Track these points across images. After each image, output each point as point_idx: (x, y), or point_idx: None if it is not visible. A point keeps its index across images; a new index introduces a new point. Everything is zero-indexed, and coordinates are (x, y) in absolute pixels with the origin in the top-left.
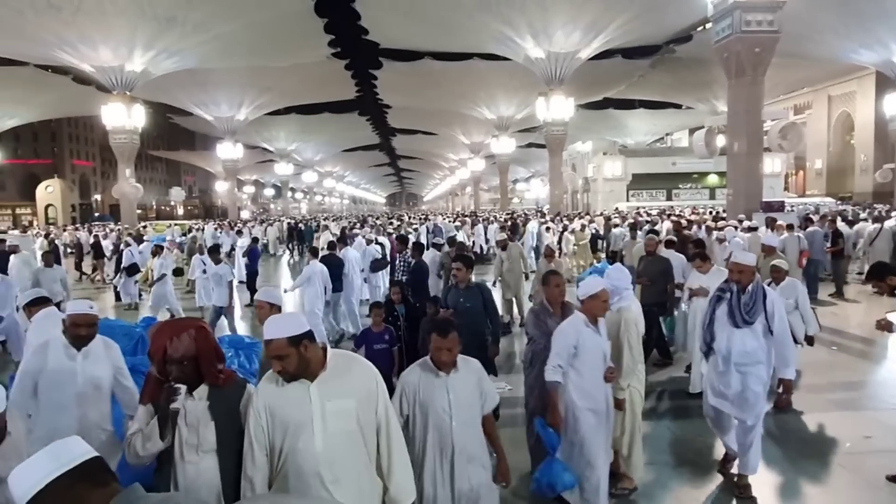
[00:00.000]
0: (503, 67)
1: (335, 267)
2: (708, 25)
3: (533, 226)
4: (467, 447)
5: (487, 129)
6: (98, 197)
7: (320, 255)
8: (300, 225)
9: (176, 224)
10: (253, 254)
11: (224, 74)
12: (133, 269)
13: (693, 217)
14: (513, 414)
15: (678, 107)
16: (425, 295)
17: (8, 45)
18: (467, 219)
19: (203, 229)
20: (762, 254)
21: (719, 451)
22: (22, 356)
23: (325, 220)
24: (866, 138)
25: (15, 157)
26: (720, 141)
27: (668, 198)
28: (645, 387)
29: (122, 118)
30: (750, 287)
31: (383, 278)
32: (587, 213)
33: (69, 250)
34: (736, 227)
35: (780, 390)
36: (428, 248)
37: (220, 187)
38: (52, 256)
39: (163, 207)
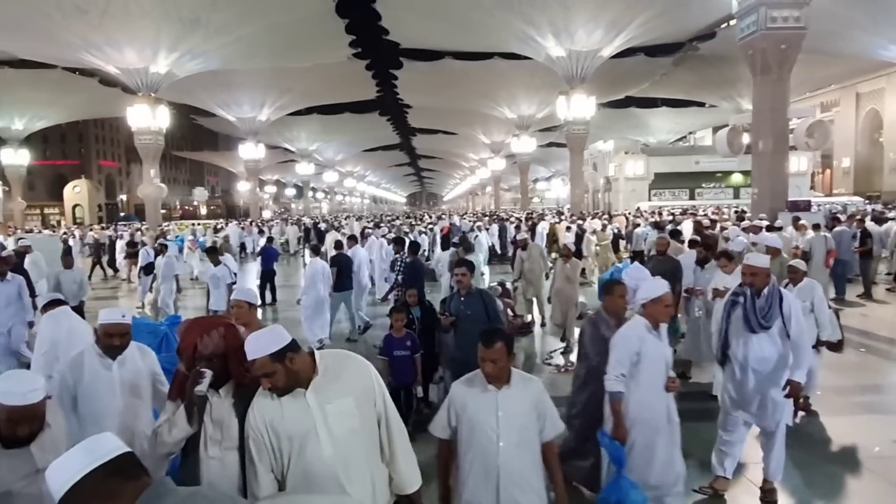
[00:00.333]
0: (524, 66)
1: (344, 265)
2: (732, 22)
3: (544, 226)
4: (516, 473)
5: (508, 129)
6: (124, 197)
7: (327, 253)
8: (319, 224)
9: (198, 224)
10: (267, 254)
11: (246, 75)
12: (150, 269)
13: (714, 216)
14: None
15: (701, 105)
16: (420, 295)
17: (37, 48)
18: (487, 218)
19: (224, 228)
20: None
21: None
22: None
23: (346, 218)
24: (895, 136)
25: (44, 158)
26: (744, 139)
27: (691, 197)
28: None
29: (147, 119)
30: (766, 290)
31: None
32: (604, 213)
33: (90, 250)
34: (760, 227)
35: (786, 393)
36: (447, 248)
37: (243, 187)
38: (70, 258)
39: (186, 207)
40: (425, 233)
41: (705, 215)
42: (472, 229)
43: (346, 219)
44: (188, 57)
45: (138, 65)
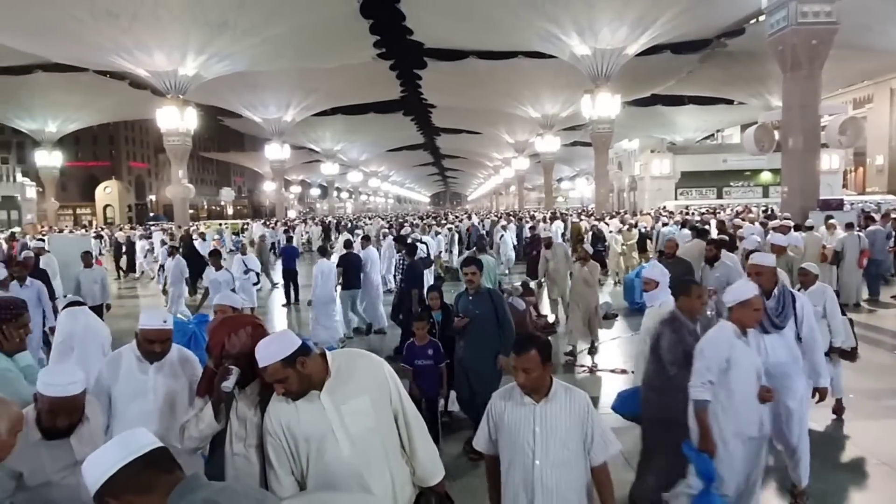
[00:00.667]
0: (548, 65)
1: (352, 265)
2: (761, 18)
3: (558, 225)
4: (555, 494)
5: (532, 128)
6: (153, 197)
7: (332, 253)
8: (340, 224)
9: (225, 224)
10: (287, 253)
11: (272, 77)
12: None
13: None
14: None
15: (729, 102)
16: (420, 296)
17: (69, 52)
18: (511, 217)
19: (249, 228)
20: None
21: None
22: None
23: (370, 219)
24: None
25: (76, 159)
26: (774, 137)
27: (719, 196)
28: None
29: (176, 121)
30: (775, 290)
31: (427, 277)
32: (625, 212)
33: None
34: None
35: (816, 400)
36: (470, 248)
37: (268, 187)
38: (90, 257)
39: (213, 207)
40: (441, 233)
41: (729, 215)
42: (498, 229)
43: (370, 219)
44: (215, 59)
45: (167, 67)
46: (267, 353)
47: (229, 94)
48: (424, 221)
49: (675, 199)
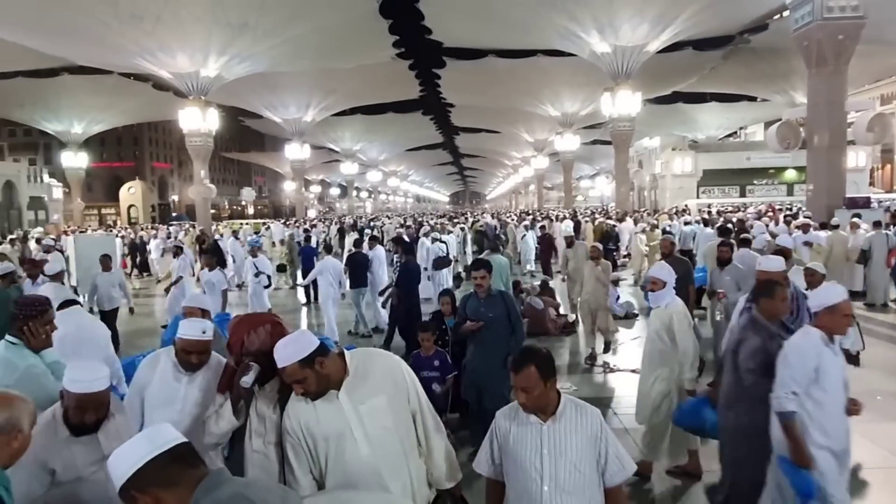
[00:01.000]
0: (567, 63)
1: (359, 264)
2: (786, 13)
3: (568, 224)
4: None
5: (551, 127)
6: (175, 197)
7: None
8: (357, 224)
9: (245, 223)
10: (306, 252)
11: (292, 77)
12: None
13: (749, 215)
14: None
15: (753, 99)
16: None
17: (94, 55)
18: (528, 216)
19: (269, 227)
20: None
21: None
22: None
23: (388, 218)
24: None
25: (101, 160)
26: (799, 134)
27: (742, 194)
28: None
29: (198, 122)
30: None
31: (447, 276)
32: (645, 211)
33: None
34: (811, 225)
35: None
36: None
37: (288, 187)
38: (109, 260)
39: (234, 207)
40: (452, 232)
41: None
42: (521, 229)
43: (388, 218)
44: (237, 60)
45: (189, 69)
46: (285, 354)
47: (250, 95)
48: (438, 221)
49: (697, 197)
